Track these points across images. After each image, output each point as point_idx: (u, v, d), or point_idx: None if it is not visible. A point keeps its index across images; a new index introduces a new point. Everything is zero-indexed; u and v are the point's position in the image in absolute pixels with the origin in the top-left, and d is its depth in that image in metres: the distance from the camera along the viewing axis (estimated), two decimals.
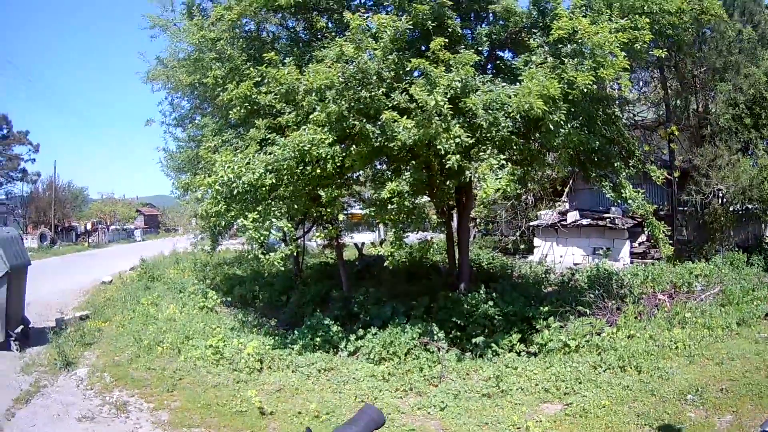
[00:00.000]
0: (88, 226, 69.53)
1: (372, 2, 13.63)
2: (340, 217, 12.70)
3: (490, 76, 11.64)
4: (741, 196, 20.36)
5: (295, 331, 13.61)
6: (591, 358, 11.20)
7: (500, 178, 9.86)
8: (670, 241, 14.26)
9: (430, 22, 11.30)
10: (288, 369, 11.66)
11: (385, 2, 13.06)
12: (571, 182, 26.58)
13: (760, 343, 11.47)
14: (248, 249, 16.26)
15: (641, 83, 26.33)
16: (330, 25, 13.34)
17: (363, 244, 20.72)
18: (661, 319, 13.16)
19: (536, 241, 27.24)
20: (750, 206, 21.41)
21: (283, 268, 21.03)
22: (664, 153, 24.37)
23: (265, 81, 11.76)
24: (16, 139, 64.26)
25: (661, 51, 12.65)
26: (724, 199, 21.44)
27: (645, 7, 11.66)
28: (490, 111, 10.15)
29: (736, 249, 21.03)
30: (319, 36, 13.24)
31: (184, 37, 14.06)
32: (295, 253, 18.30)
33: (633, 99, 22.86)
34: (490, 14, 12.92)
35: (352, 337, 12.70)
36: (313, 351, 12.55)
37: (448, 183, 12.40)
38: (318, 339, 12.97)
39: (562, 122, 10.33)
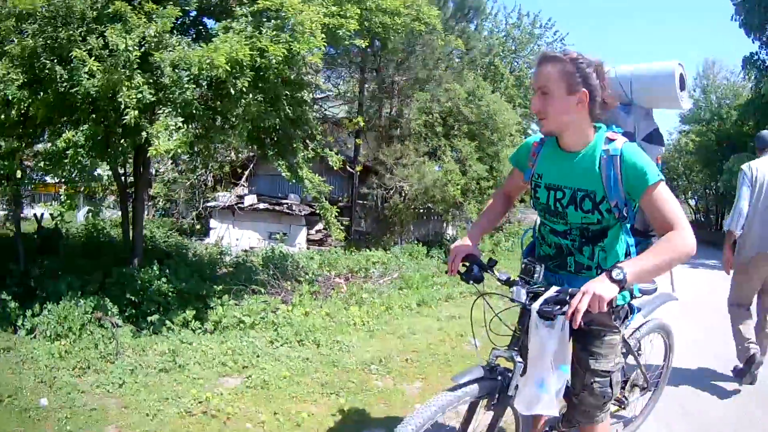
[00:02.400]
0: None
1: None
2: (18, 174, 11.72)
3: (189, 40, 11.33)
4: (424, 195, 21.69)
5: None
6: (267, 333, 11.22)
7: (175, 140, 9.53)
8: (342, 226, 14.77)
9: None
10: None
11: None
12: (251, 167, 26.73)
13: (443, 320, 12.10)
14: None
15: (340, 81, 27.21)
16: None
17: (42, 215, 19.45)
18: (338, 300, 13.54)
19: (213, 223, 27.39)
20: (431, 206, 22.85)
21: None
22: (349, 147, 25.33)
23: None
24: None
25: (363, 42, 12.92)
26: (406, 196, 22.65)
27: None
28: (176, 70, 9.78)
29: (417, 242, 22.48)
30: None
31: None
32: None
33: (327, 91, 23.52)
34: None
35: (29, 314, 11.82)
36: None
37: (123, 142, 11.79)
38: None
39: (244, 90, 10.13)
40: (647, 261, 3.43)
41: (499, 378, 3.85)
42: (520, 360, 3.82)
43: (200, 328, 11.89)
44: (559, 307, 3.46)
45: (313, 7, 10.82)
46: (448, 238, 25.28)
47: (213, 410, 7.79)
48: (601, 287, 3.25)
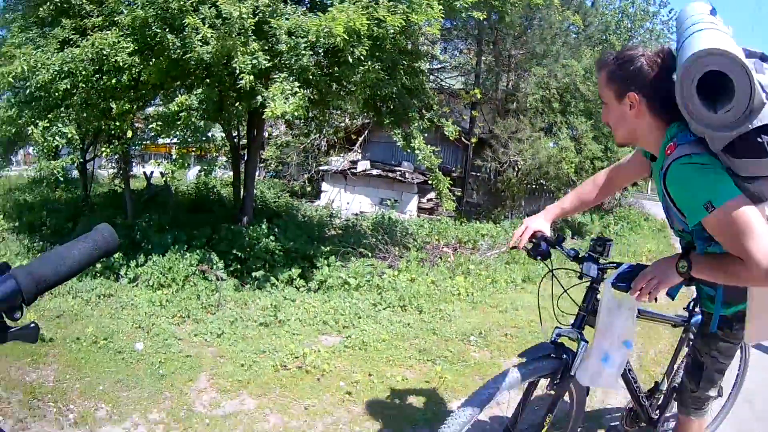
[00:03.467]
0: None
1: None
2: (129, 134, 12.13)
3: (304, 9, 11.44)
4: (537, 171, 21.37)
5: None
6: (371, 296, 11.30)
7: (291, 103, 9.66)
8: (453, 197, 14.67)
9: None
10: (68, 295, 10.99)
11: None
12: (366, 133, 26.92)
13: (545, 298, 11.95)
14: (39, 166, 15.39)
15: (457, 52, 26.97)
16: None
17: (152, 173, 20.08)
18: (444, 268, 13.54)
19: (324, 186, 27.68)
20: (544, 182, 22.48)
21: (71, 195, 20.09)
22: (465, 119, 25.11)
23: None
24: None
25: (480, 14, 12.78)
26: (520, 171, 22.34)
27: None
28: (293, 37, 9.95)
29: (527, 217, 22.14)
30: None
31: None
32: (81, 173, 17.70)
33: (444, 62, 23.35)
34: None
35: (133, 264, 12.23)
36: (94, 278, 11.90)
37: (238, 105, 12.06)
38: (99, 265, 12.28)
39: (362, 58, 10.20)
40: (714, 269, 3.08)
41: (564, 357, 3.81)
42: (585, 340, 3.79)
43: (304, 286, 12.21)
44: (628, 283, 3.32)
45: None
46: None
47: (308, 366, 7.95)
48: (664, 273, 3.15)
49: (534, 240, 4.19)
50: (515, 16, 17.71)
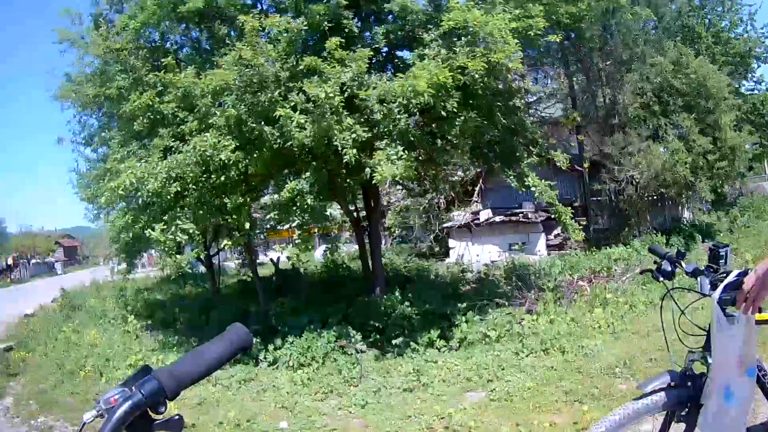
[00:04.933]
0: (9, 261, 67.66)
1: (273, 8, 13.40)
2: (247, 225, 12.53)
3: (389, 75, 11.66)
4: (654, 181, 20.84)
5: None
6: (512, 345, 11.21)
7: (397, 166, 9.83)
8: (579, 227, 14.45)
9: (326, 23, 11.38)
10: (208, 383, 11.45)
11: (282, 5, 12.98)
12: (481, 182, 26.83)
13: (686, 313, 11.54)
14: (163, 264, 16.15)
15: (548, 80, 26.77)
16: (232, 33, 13.17)
17: (279, 258, 20.59)
18: (582, 303, 13.33)
19: (451, 243, 27.68)
20: (664, 191, 21.88)
21: (200, 290, 20.79)
22: (572, 145, 24.81)
23: (167, 90, 11.67)
24: None
25: (556, 36, 12.77)
26: (639, 185, 21.85)
27: None
28: (384, 104, 10.14)
29: (655, 232, 21.57)
30: (221, 44, 13.00)
31: (90, 49, 13.75)
32: (208, 266, 18.39)
33: (538, 93, 23.17)
34: (389, 15, 12.91)
35: (271, 348, 12.52)
36: (233, 365, 12.31)
37: (349, 181, 12.36)
38: None
39: (454, 110, 10.32)
40: None
41: (689, 384, 3.25)
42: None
43: (445, 346, 12.21)
44: (735, 295, 2.85)
45: (498, 15, 10.88)
46: (685, 222, 24.05)
47: (455, 425, 7.92)
48: (765, 277, 2.66)
49: (657, 260, 3.83)
50: (592, 29, 17.54)
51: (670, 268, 3.76)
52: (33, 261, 74.44)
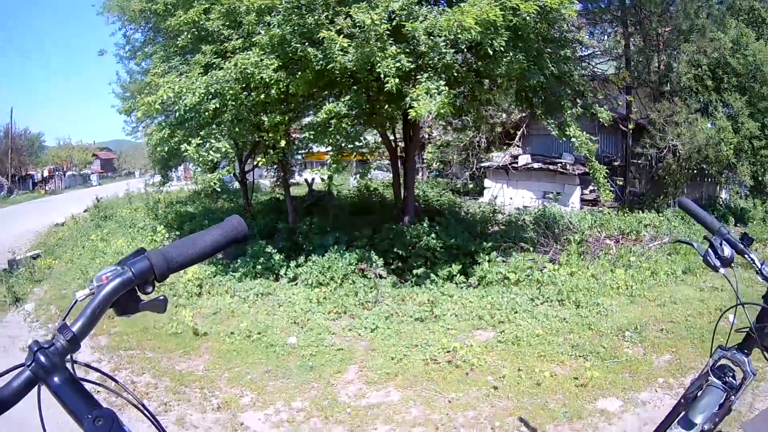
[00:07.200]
0: (45, 173, 68.69)
1: None
2: (283, 143, 12.59)
3: (441, 8, 11.48)
4: (696, 154, 20.50)
5: (238, 260, 13.59)
6: (530, 291, 11.32)
7: (437, 102, 9.72)
8: (613, 187, 14.33)
9: None
10: (227, 294, 11.75)
11: None
12: (524, 127, 26.59)
13: (705, 291, 11.46)
14: (196, 179, 16.27)
15: (604, 37, 26.32)
16: None
17: (313, 180, 20.77)
18: (605, 261, 13.29)
19: (487, 183, 27.63)
20: (705, 167, 21.55)
21: (233, 204, 21.00)
22: (620, 104, 24.44)
23: (213, 6, 11.66)
24: None
25: None
26: (680, 156, 21.53)
27: None
28: (432, 37, 9.99)
29: None
30: None
31: None
32: (239, 184, 18.48)
33: (592, 47, 22.83)
34: None
35: (293, 264, 12.70)
36: (254, 278, 12.65)
37: (388, 108, 12.28)
38: (259, 267, 13.00)
39: (503, 49, 10.14)
40: None
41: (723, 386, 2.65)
42: (753, 371, 2.64)
43: (464, 282, 12.35)
44: None
45: None
46: (721, 202, 23.68)
47: (458, 360, 8.09)
48: None
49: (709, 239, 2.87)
50: None
51: (728, 254, 2.76)
52: (69, 173, 75.53)
